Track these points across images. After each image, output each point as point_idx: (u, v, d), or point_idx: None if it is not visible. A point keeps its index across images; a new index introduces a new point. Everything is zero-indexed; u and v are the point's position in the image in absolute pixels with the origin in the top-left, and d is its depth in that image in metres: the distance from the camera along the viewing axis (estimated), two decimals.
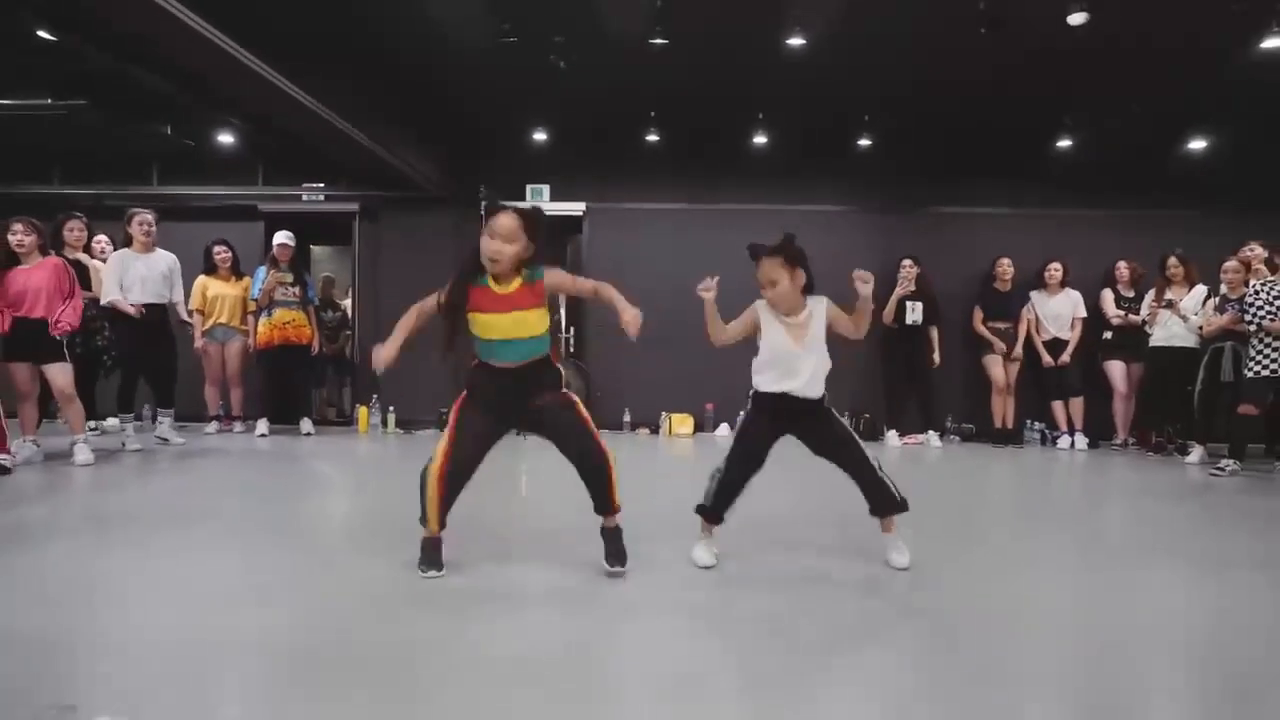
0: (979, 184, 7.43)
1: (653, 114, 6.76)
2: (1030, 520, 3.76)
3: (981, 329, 6.90)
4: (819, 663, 1.82)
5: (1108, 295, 6.81)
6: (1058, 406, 6.82)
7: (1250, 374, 5.19)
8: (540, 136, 7.21)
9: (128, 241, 5.76)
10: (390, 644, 1.85)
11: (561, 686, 1.64)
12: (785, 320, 2.55)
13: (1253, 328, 5.15)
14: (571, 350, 7.55)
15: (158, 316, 5.71)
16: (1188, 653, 1.97)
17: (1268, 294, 5.11)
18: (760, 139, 7.01)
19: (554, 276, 2.47)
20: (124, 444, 5.25)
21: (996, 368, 6.82)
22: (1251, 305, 5.17)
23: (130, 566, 2.51)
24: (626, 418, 7.37)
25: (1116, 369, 6.67)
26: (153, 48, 4.41)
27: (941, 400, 7.06)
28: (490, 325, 2.37)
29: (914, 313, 6.78)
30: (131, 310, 5.50)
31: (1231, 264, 5.57)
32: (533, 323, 2.39)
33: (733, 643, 1.96)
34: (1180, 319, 6.06)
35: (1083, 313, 6.84)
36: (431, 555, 2.42)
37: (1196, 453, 5.70)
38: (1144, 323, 6.42)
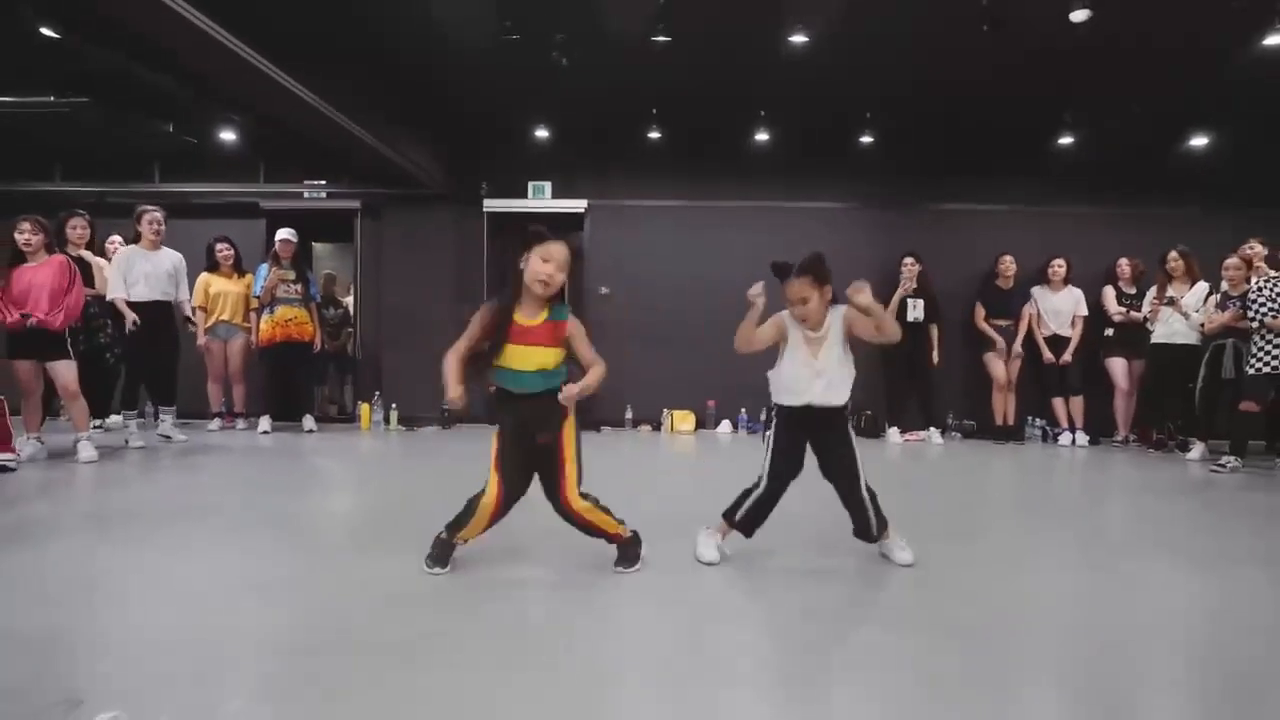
0: (979, 181, 7.42)
1: (654, 111, 6.76)
2: (1032, 517, 3.76)
3: (983, 325, 6.90)
4: (819, 661, 1.83)
5: (1109, 292, 6.81)
6: (1058, 403, 6.82)
7: (1252, 371, 5.19)
8: (542, 134, 7.22)
9: (136, 239, 5.78)
10: (393, 642, 1.86)
11: (564, 686, 1.65)
12: (808, 334, 2.56)
13: (1255, 324, 5.15)
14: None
15: (161, 314, 5.73)
16: (1189, 650, 1.98)
17: (1271, 291, 5.11)
18: (761, 136, 7.01)
19: (576, 327, 2.42)
20: (127, 441, 5.26)
21: (997, 365, 6.82)
22: (1254, 302, 5.17)
23: (133, 563, 2.52)
24: (628, 414, 7.39)
25: (1118, 366, 6.67)
26: (155, 45, 4.42)
27: (943, 397, 7.07)
28: (509, 354, 2.36)
29: (915, 310, 6.79)
30: (128, 313, 5.52)
31: (1233, 261, 5.57)
32: (548, 359, 2.37)
33: (733, 640, 1.96)
34: (1182, 316, 6.06)
35: (1084, 311, 6.85)
36: (442, 554, 2.42)
37: (1197, 449, 5.70)
38: (1145, 320, 6.42)
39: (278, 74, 4.56)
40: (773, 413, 2.67)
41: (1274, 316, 5.06)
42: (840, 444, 2.58)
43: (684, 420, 7.32)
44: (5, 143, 7.06)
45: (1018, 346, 6.83)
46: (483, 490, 2.37)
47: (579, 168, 7.56)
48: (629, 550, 2.51)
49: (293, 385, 6.67)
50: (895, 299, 6.74)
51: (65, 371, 4.56)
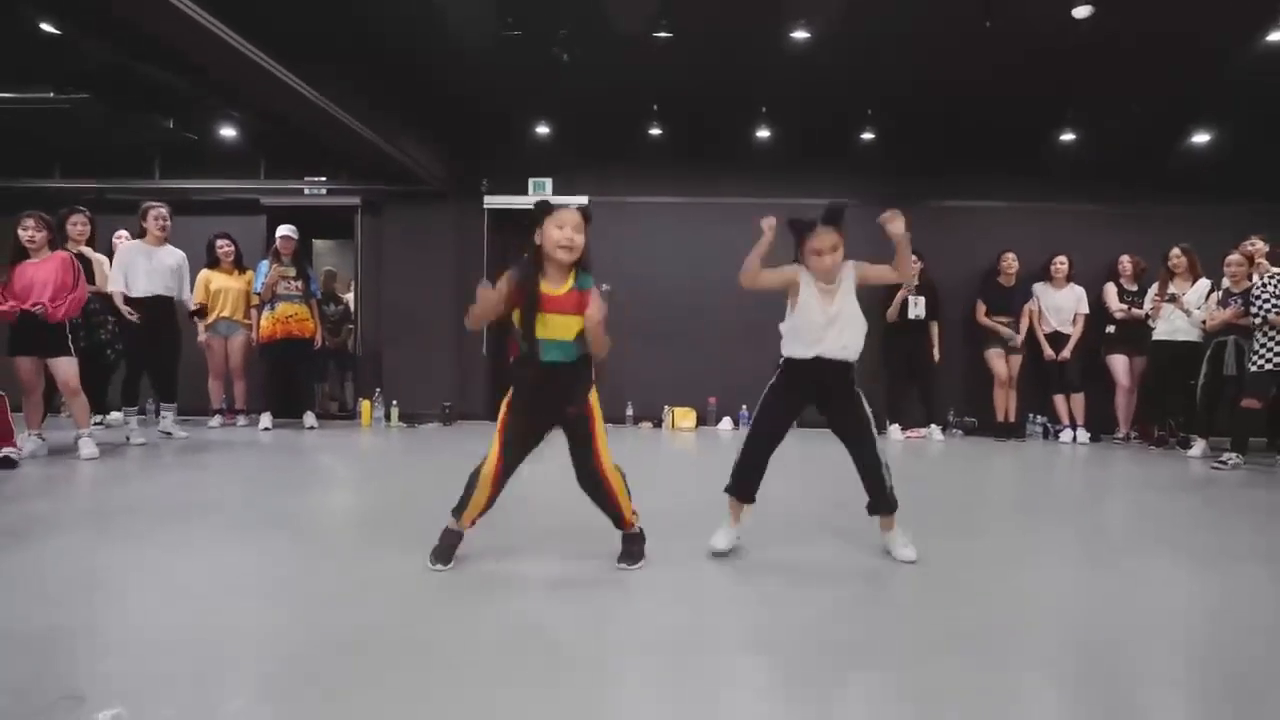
0: (980, 178, 7.40)
1: (655, 108, 6.75)
2: (1033, 514, 3.76)
3: (985, 321, 6.89)
4: (820, 660, 1.82)
5: (1110, 289, 6.79)
6: (1059, 400, 6.81)
7: (1254, 368, 5.18)
8: (543, 130, 7.21)
9: (143, 235, 5.78)
10: (393, 641, 1.86)
11: (565, 685, 1.65)
12: (822, 286, 2.58)
13: (1258, 320, 5.14)
14: None
15: (162, 310, 5.72)
16: (1190, 648, 1.97)
17: (1273, 287, 5.10)
18: (762, 133, 7.00)
19: (594, 301, 2.39)
20: (128, 438, 5.26)
21: (998, 361, 6.81)
22: (1258, 298, 5.15)
23: (133, 561, 2.52)
24: (629, 411, 7.39)
25: (1119, 363, 6.66)
26: (155, 41, 4.41)
27: (943, 394, 7.06)
28: (548, 325, 2.35)
29: (916, 307, 6.79)
30: (125, 308, 5.53)
31: (1235, 258, 5.56)
32: (571, 326, 2.38)
33: (734, 638, 1.96)
34: (1183, 313, 6.05)
35: (1085, 309, 6.84)
36: (446, 550, 2.43)
37: (1199, 446, 5.70)
38: (1147, 317, 6.41)
39: (279, 70, 4.55)
40: (773, 376, 2.66)
41: (1276, 313, 5.05)
42: (854, 405, 2.61)
43: (685, 417, 7.32)
44: (5, 140, 7.05)
45: (1018, 340, 6.83)
46: (482, 460, 2.39)
47: (580, 164, 7.55)
48: (633, 547, 2.52)
49: (293, 382, 6.67)
50: (898, 299, 6.75)
51: (66, 368, 4.55)
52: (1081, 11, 4.56)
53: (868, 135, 6.97)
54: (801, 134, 7.08)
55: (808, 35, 5.05)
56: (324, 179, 7.54)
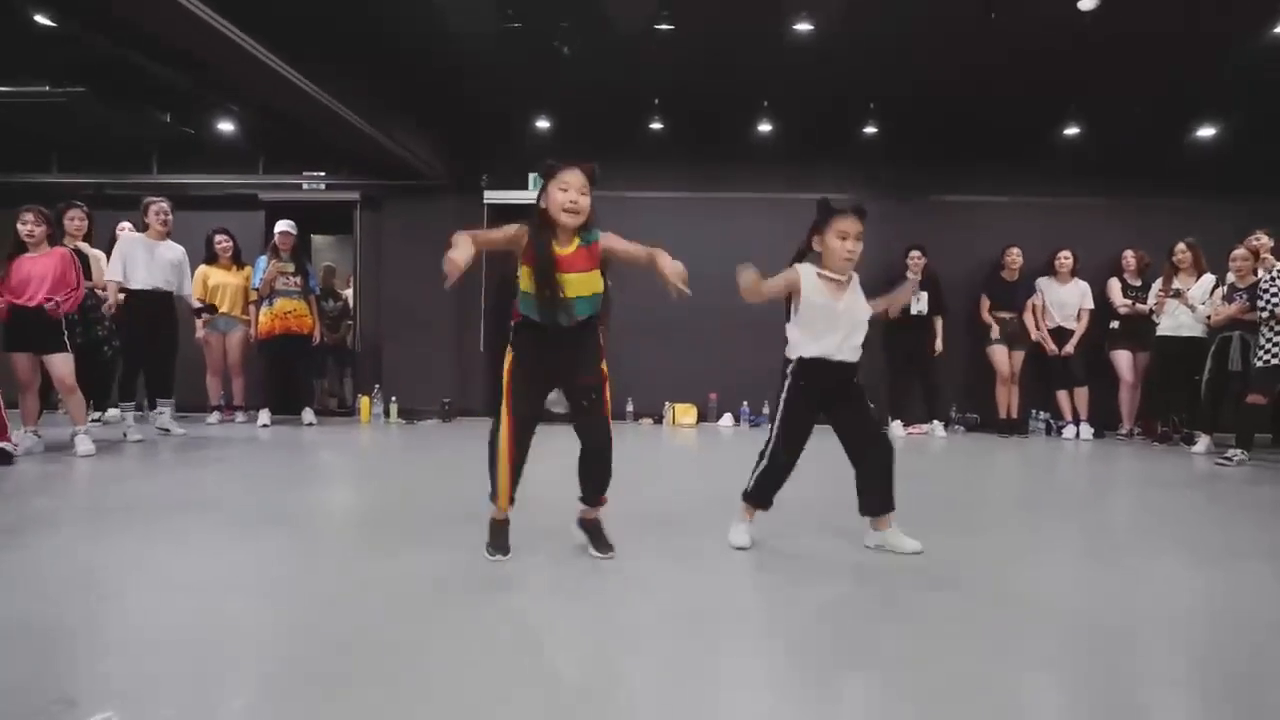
0: (983, 172, 7.36)
1: (656, 102, 6.71)
2: (1036, 510, 3.74)
3: (988, 317, 6.87)
4: (821, 657, 1.81)
5: (1114, 284, 6.77)
6: (1062, 396, 6.79)
7: (1260, 364, 5.15)
8: (543, 124, 7.17)
9: (145, 229, 5.76)
10: (393, 641, 1.84)
11: (565, 684, 1.63)
12: (832, 278, 2.56)
13: (1264, 315, 5.11)
14: None
15: (161, 305, 5.70)
16: (1193, 645, 1.95)
17: None
18: (764, 127, 6.96)
19: (610, 240, 2.39)
20: (125, 435, 5.24)
21: (1001, 357, 6.79)
22: (1265, 293, 5.12)
23: (131, 559, 2.49)
24: (629, 407, 7.36)
25: (1123, 358, 6.63)
26: (153, 34, 4.38)
27: (946, 390, 7.04)
28: (568, 284, 2.31)
29: (919, 303, 6.75)
30: (112, 295, 5.50)
31: (1240, 252, 5.53)
32: (596, 283, 2.35)
33: (734, 637, 1.94)
34: (1188, 308, 6.03)
35: (1090, 304, 6.81)
36: (499, 539, 2.43)
37: (1203, 442, 5.67)
38: (1151, 312, 6.38)
39: (277, 64, 4.52)
40: (785, 383, 2.63)
41: None
42: (864, 405, 2.60)
43: (686, 413, 7.29)
44: (2, 134, 7.01)
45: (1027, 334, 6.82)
46: (494, 430, 2.37)
47: (580, 159, 7.48)
48: (601, 532, 2.51)
49: (292, 378, 6.64)
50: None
51: (62, 365, 4.53)
52: (1087, 4, 4.53)
53: (870, 130, 6.93)
54: (803, 129, 7.04)
55: (810, 28, 5.02)
56: (323, 174, 7.51)
